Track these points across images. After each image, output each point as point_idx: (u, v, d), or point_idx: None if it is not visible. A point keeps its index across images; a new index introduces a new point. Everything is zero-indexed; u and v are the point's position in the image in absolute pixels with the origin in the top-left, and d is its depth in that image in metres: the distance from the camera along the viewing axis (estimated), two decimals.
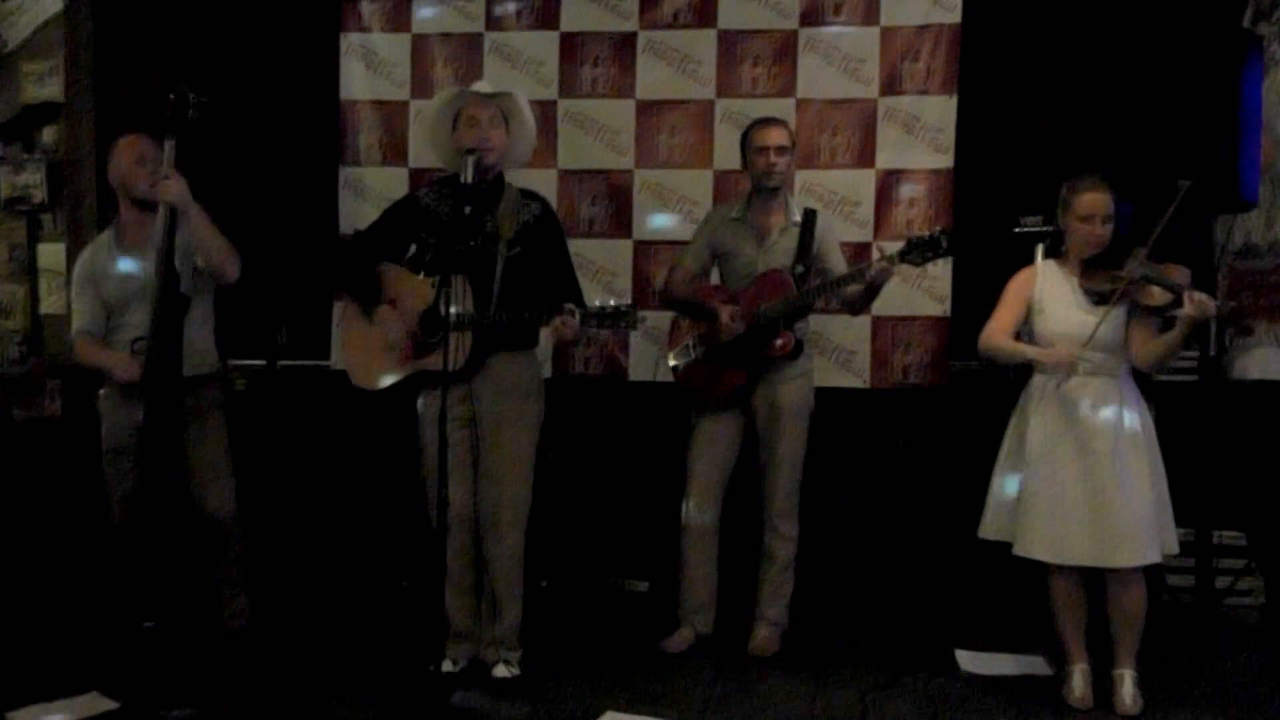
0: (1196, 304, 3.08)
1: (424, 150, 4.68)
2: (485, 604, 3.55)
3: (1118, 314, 3.28)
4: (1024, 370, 3.50)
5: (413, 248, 3.55)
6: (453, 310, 3.21)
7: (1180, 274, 3.20)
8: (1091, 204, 3.31)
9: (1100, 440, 3.25)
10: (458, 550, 3.49)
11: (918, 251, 3.50)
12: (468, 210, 3.30)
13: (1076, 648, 3.38)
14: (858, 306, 3.79)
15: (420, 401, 3.54)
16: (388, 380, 3.49)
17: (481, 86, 3.53)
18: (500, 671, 3.49)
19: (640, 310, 4.40)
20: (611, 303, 3.27)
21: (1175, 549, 3.32)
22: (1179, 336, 3.18)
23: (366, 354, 3.52)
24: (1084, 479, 3.26)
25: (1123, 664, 3.31)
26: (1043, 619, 3.47)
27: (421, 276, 3.47)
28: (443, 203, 3.51)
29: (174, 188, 3.37)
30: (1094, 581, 3.35)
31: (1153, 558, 3.23)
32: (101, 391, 3.64)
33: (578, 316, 3.24)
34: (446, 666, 3.46)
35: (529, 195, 3.58)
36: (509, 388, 3.47)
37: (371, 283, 3.51)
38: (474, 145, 3.35)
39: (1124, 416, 3.27)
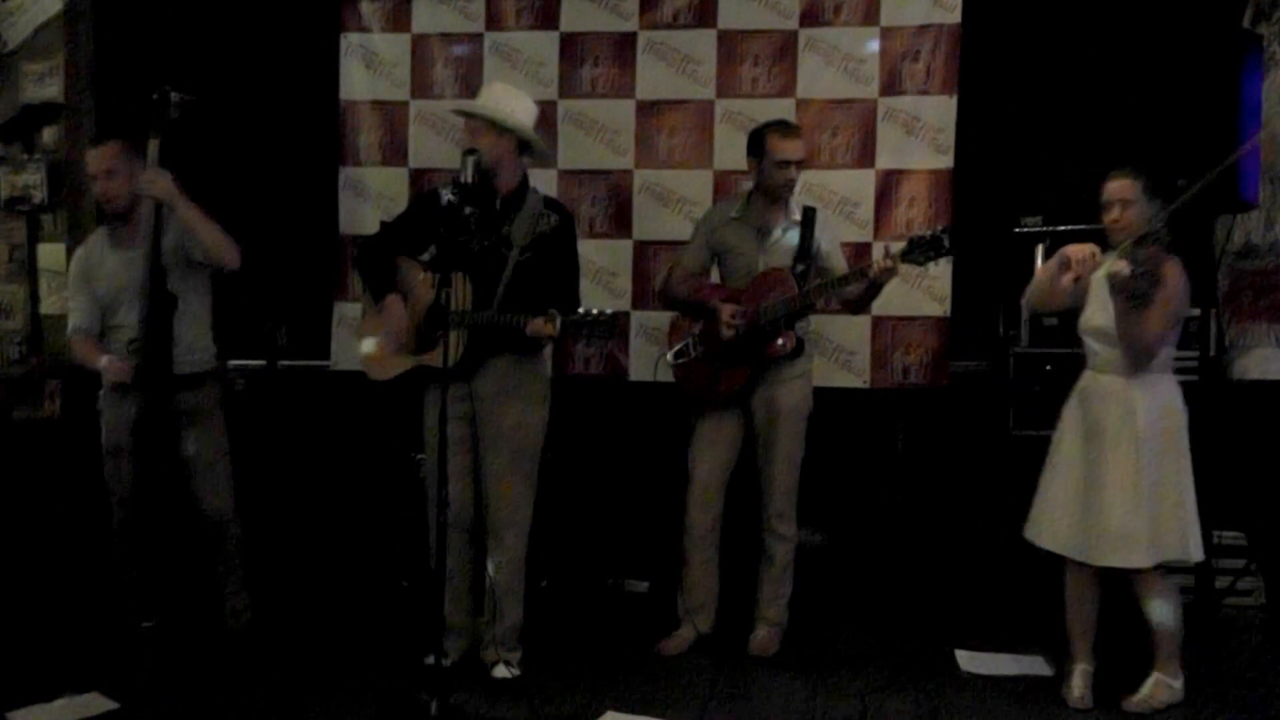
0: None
1: (424, 150, 4.70)
2: (486, 602, 3.56)
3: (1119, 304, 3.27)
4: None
5: (432, 247, 3.57)
6: (458, 307, 3.26)
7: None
8: (1108, 191, 3.31)
9: (1104, 440, 3.26)
10: (453, 547, 3.49)
11: (920, 251, 3.49)
12: (468, 210, 3.33)
13: (1081, 647, 3.38)
14: (858, 306, 3.79)
15: (426, 400, 3.56)
16: (392, 373, 3.52)
17: (496, 96, 3.51)
18: (500, 672, 3.49)
19: (639, 310, 4.49)
20: (594, 310, 3.23)
21: (1187, 556, 3.25)
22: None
23: (380, 346, 3.55)
24: (1084, 475, 3.28)
25: (1154, 665, 3.32)
26: (1042, 619, 3.47)
27: (424, 275, 3.50)
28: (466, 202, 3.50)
29: (158, 184, 3.38)
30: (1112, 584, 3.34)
31: (1137, 562, 3.22)
32: (100, 391, 3.64)
33: (557, 323, 3.22)
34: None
35: (552, 205, 3.58)
36: (511, 390, 3.48)
37: (389, 275, 3.53)
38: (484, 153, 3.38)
39: (1130, 417, 3.24)
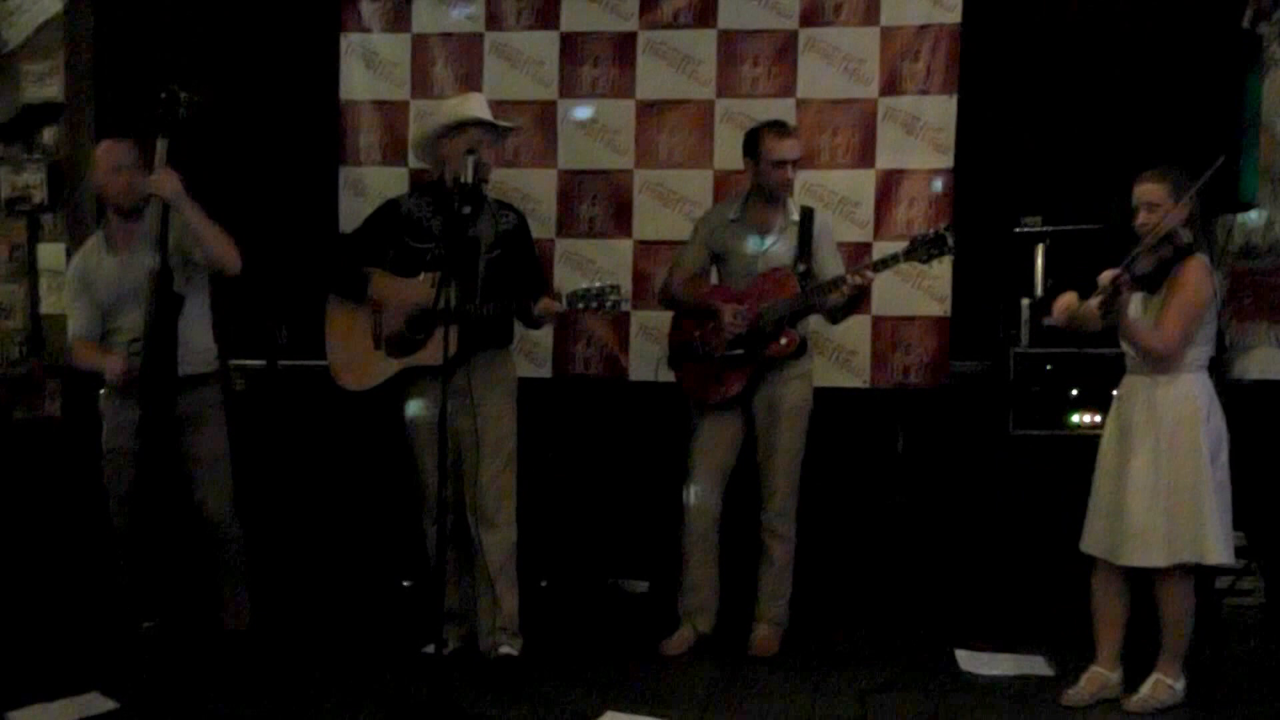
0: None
1: None
2: (480, 591, 3.60)
3: (1144, 305, 3.27)
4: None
5: (390, 252, 3.63)
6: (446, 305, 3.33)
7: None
8: (1136, 193, 3.27)
9: (1131, 439, 3.26)
10: (437, 539, 3.53)
11: (923, 249, 3.51)
12: (467, 210, 3.38)
13: (1098, 645, 3.37)
14: (836, 316, 3.79)
15: (407, 399, 3.60)
16: (377, 379, 3.58)
17: (485, 109, 3.62)
18: (505, 650, 3.54)
19: (639, 310, 4.49)
20: (597, 284, 3.40)
21: (1201, 557, 3.20)
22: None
23: (353, 355, 3.62)
24: (1115, 475, 3.29)
25: (1156, 665, 3.30)
26: (1042, 619, 3.46)
27: (422, 276, 3.52)
28: (424, 208, 3.63)
29: (166, 183, 3.38)
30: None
31: (1154, 561, 3.20)
32: (102, 392, 3.64)
33: (564, 299, 3.40)
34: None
35: (504, 206, 3.73)
36: (493, 382, 3.58)
37: (359, 285, 3.59)
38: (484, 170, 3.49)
39: (1153, 415, 3.23)
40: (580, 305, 3.41)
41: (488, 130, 3.58)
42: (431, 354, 3.43)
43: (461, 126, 3.54)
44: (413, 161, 4.72)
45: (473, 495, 3.56)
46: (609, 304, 3.39)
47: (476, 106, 3.63)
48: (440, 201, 3.56)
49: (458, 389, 3.43)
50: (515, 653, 3.55)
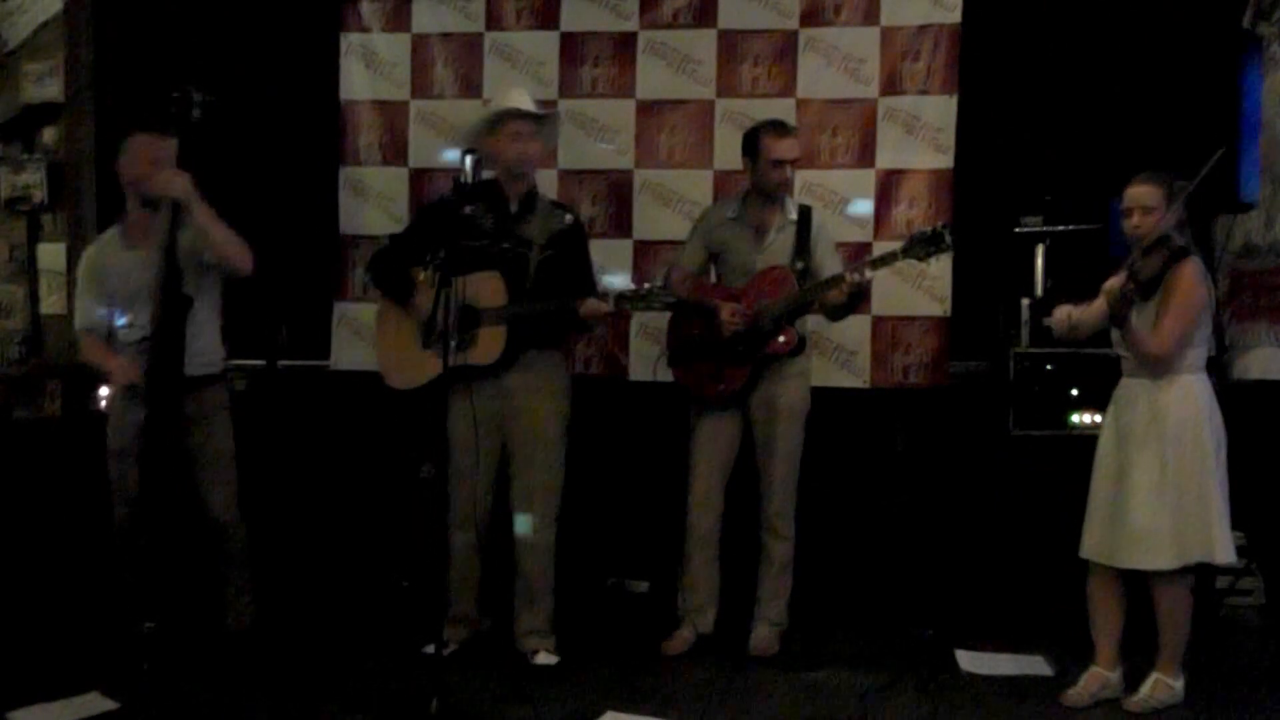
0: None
1: (424, 150, 4.70)
2: (518, 591, 3.66)
3: (1138, 309, 3.27)
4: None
5: (441, 252, 3.61)
6: (492, 305, 3.49)
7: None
8: (1129, 196, 3.27)
9: (1132, 442, 3.25)
10: (464, 543, 3.63)
11: (921, 247, 3.51)
12: (467, 210, 3.43)
13: (1097, 648, 3.37)
14: (836, 314, 3.79)
15: (454, 400, 3.60)
16: (424, 378, 3.59)
17: (525, 99, 3.67)
18: (543, 659, 3.58)
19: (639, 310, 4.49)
20: (646, 285, 3.48)
21: (1211, 557, 3.20)
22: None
23: (400, 354, 3.67)
24: (1116, 480, 3.28)
25: (1155, 665, 3.30)
26: (1042, 619, 3.46)
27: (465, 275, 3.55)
28: (476, 207, 3.60)
29: (177, 182, 3.37)
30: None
31: (1160, 563, 3.20)
32: (106, 391, 3.63)
33: (611, 300, 3.45)
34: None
35: (560, 206, 3.79)
36: (542, 383, 3.62)
37: (406, 286, 3.65)
38: (518, 158, 3.57)
39: (1156, 418, 3.23)
40: (628, 306, 3.46)
41: (530, 121, 3.60)
42: (479, 353, 3.48)
43: (501, 120, 3.56)
44: (413, 161, 4.73)
45: (519, 496, 3.61)
46: (657, 305, 3.44)
47: (515, 97, 3.66)
48: (492, 199, 3.59)
49: (506, 389, 3.51)
50: (554, 661, 3.60)
